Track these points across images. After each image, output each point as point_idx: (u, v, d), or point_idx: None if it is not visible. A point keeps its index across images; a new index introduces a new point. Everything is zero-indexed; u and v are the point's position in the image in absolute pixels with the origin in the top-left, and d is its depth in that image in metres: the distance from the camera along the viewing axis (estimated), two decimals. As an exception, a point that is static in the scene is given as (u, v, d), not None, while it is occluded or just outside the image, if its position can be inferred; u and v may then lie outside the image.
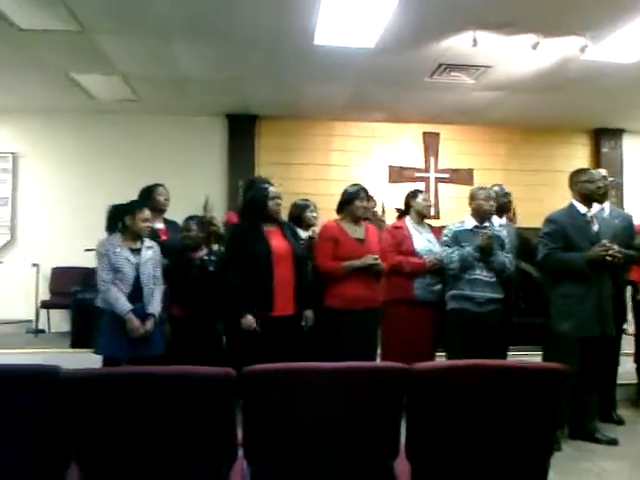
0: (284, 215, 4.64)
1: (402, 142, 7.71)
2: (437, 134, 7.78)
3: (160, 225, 4.57)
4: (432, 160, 7.74)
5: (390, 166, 7.64)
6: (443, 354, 4.23)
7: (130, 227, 3.77)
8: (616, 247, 3.79)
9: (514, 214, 6.96)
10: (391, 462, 2.05)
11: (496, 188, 4.70)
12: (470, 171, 7.70)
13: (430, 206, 4.56)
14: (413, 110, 7.17)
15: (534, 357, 4.29)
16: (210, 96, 6.68)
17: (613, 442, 3.89)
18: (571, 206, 4.01)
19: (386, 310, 4.27)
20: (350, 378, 1.97)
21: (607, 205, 4.44)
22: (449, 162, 7.78)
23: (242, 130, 7.34)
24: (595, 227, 3.90)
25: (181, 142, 7.24)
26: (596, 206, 4.19)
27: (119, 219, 3.81)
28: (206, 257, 4.21)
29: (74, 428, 1.91)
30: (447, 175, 7.71)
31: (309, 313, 3.86)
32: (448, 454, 2.03)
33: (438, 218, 7.25)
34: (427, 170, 7.73)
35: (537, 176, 7.59)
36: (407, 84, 6.26)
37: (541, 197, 7.03)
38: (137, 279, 3.74)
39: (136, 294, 3.74)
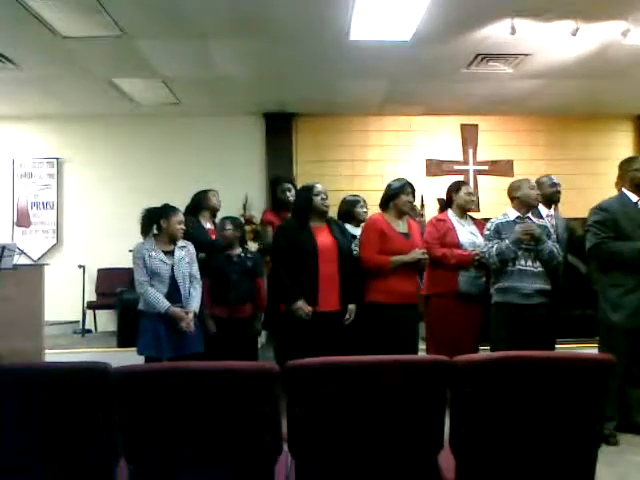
0: (333, 212, 4.69)
1: (440, 135, 7.65)
2: (475, 126, 7.68)
3: (210, 225, 4.75)
4: (471, 152, 7.65)
5: (428, 159, 7.58)
6: (487, 348, 4.19)
7: (165, 230, 3.87)
8: None
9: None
10: (435, 456, 2.06)
11: (544, 178, 4.64)
12: (510, 162, 7.59)
13: (473, 200, 4.49)
14: (450, 102, 7.10)
15: (581, 349, 4.22)
16: (247, 96, 6.75)
17: (663, 435, 3.80)
18: (622, 195, 3.92)
19: (430, 303, 4.28)
20: (393, 372, 1.98)
21: None
22: (488, 154, 7.68)
23: (279, 128, 7.39)
24: None
25: (220, 143, 7.34)
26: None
27: (154, 222, 3.90)
28: (242, 254, 4.28)
29: (123, 424, 1.97)
30: (486, 167, 7.61)
31: (352, 307, 3.89)
32: (493, 447, 2.02)
33: (478, 211, 7.15)
34: (466, 162, 7.64)
35: (578, 165, 7.43)
36: (444, 76, 6.20)
37: (582, 186, 6.90)
38: (173, 279, 3.83)
39: (174, 294, 3.83)
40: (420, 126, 7.61)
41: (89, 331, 7.07)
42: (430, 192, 6.80)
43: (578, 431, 2.02)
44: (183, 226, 3.94)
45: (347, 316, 3.88)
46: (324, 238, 3.87)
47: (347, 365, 1.96)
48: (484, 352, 4.14)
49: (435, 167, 7.55)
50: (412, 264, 3.95)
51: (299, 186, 4.61)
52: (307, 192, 3.97)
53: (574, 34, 5.02)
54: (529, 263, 3.98)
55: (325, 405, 1.97)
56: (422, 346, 4.45)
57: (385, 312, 3.89)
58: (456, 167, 7.60)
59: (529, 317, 3.93)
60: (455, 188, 4.48)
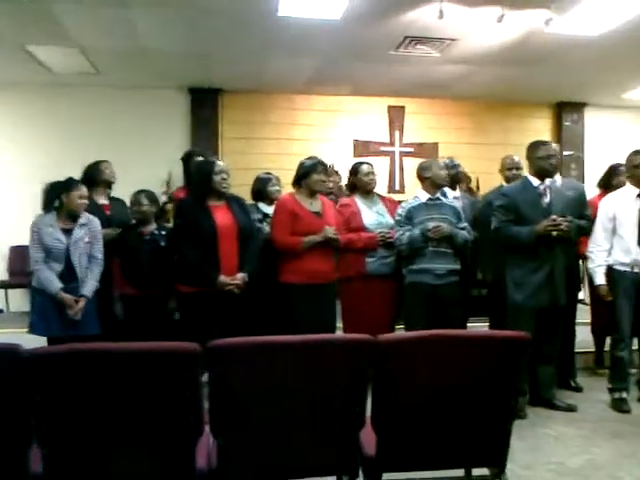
0: (248, 191, 4.62)
1: (367, 116, 7.68)
2: (402, 108, 7.76)
3: (105, 201, 4.48)
4: (397, 134, 7.74)
5: (355, 140, 7.61)
6: (402, 327, 4.27)
7: (65, 204, 3.71)
8: (568, 218, 3.85)
9: (477, 187, 7.05)
10: (357, 432, 2.08)
11: (446, 160, 4.71)
12: (435, 145, 7.73)
13: (373, 179, 4.47)
14: (378, 83, 7.14)
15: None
16: (171, 69, 6.54)
17: (571, 408, 4.01)
18: (525, 180, 4.06)
19: (342, 286, 4.24)
20: (317, 350, 1.98)
21: (558, 177, 4.52)
22: (414, 136, 7.79)
23: (205, 104, 7.22)
24: (547, 199, 3.95)
25: (142, 116, 7.09)
26: (548, 180, 4.24)
27: (56, 197, 3.73)
28: (156, 232, 4.15)
29: (35, 407, 1.88)
30: (412, 149, 7.72)
31: (241, 275, 3.72)
32: (413, 424, 2.06)
33: (403, 192, 7.29)
34: (392, 144, 7.72)
35: (501, 149, 7.58)
36: (373, 57, 6.21)
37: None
38: (68, 259, 3.69)
39: (69, 274, 3.69)
40: (348, 106, 7.61)
41: (0, 311, 6.75)
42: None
43: (494, 405, 2.08)
44: (86, 201, 3.77)
45: (235, 281, 3.69)
46: (223, 217, 3.74)
47: (270, 344, 1.94)
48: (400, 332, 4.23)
49: (362, 148, 7.59)
50: (325, 243, 3.94)
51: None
52: (207, 170, 3.79)
53: (500, 21, 5.13)
54: (442, 245, 4.06)
55: (248, 385, 1.95)
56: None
57: (299, 292, 3.88)
58: (382, 148, 7.67)
59: (443, 297, 4.03)
60: (354, 172, 4.51)
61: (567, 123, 8.10)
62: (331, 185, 6.58)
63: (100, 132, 6.93)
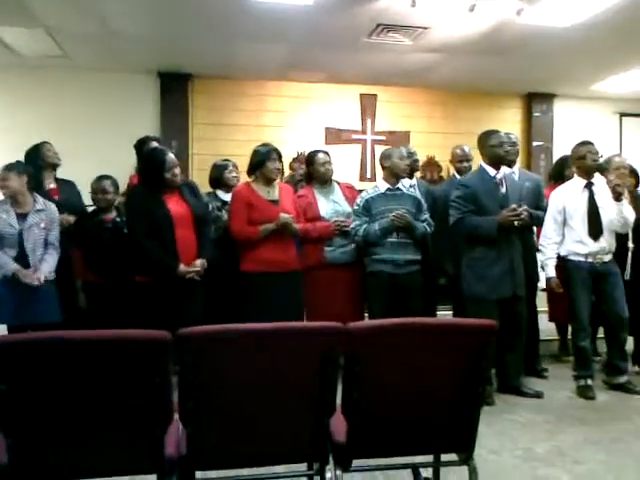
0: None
1: (339, 103, 7.64)
2: (374, 96, 7.74)
3: (52, 185, 4.38)
4: (369, 122, 7.71)
5: (327, 128, 7.56)
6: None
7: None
8: (525, 207, 3.91)
9: (448, 175, 7.10)
10: (327, 420, 2.08)
11: (404, 149, 4.71)
12: (407, 133, 7.73)
13: (330, 169, 4.48)
14: (350, 71, 7.10)
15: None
16: (140, 53, 6.40)
17: (538, 395, 4.09)
18: (481, 169, 4.10)
19: (305, 277, 4.22)
20: (287, 338, 1.97)
21: (517, 168, 4.58)
22: (386, 124, 7.77)
23: (175, 89, 7.07)
24: (503, 189, 4.00)
25: (111, 100, 6.92)
26: (506, 169, 4.29)
27: None
28: (118, 219, 4.08)
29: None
30: (384, 137, 7.69)
31: (199, 262, 3.70)
32: (383, 410, 2.07)
33: (375, 180, 7.27)
34: (364, 132, 7.70)
35: (472, 139, 7.63)
36: (344, 44, 6.17)
37: (476, 159, 7.13)
38: (22, 245, 3.63)
39: (22, 261, 3.64)
40: (319, 94, 7.56)
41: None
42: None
43: (462, 393, 2.10)
44: (11, 184, 3.70)
45: (195, 268, 3.66)
46: (177, 205, 3.69)
47: (241, 332, 1.92)
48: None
49: (334, 136, 7.55)
50: (283, 231, 3.92)
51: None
52: (157, 165, 3.66)
53: (471, 10, 5.13)
54: (401, 235, 4.08)
55: (218, 372, 1.93)
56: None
57: (257, 281, 3.87)
58: (354, 136, 7.64)
59: (404, 286, 4.06)
60: (310, 161, 4.50)
61: (537, 114, 8.17)
62: (302, 172, 6.57)
63: (68, 115, 6.76)
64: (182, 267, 3.61)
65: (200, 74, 7.14)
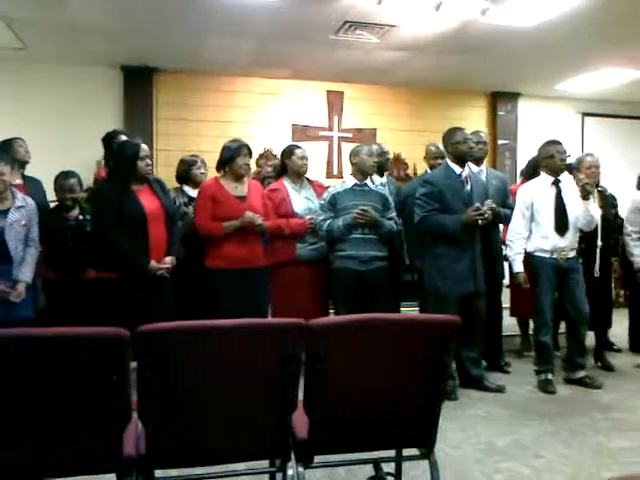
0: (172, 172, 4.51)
1: (306, 100, 7.62)
2: (341, 93, 7.74)
3: (18, 181, 4.29)
4: (336, 119, 7.71)
5: (294, 124, 7.54)
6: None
7: None
8: (490, 204, 3.96)
9: (415, 173, 7.15)
10: (289, 416, 2.07)
11: (375, 147, 4.74)
12: (374, 131, 7.76)
13: (306, 164, 4.49)
14: (318, 68, 7.09)
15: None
16: (103, 46, 6.28)
17: (500, 389, 4.15)
18: (446, 167, 4.14)
19: (273, 273, 4.23)
20: (248, 335, 1.95)
21: (484, 167, 4.64)
22: (353, 121, 7.79)
23: (139, 83, 6.95)
24: (468, 187, 4.05)
25: (72, 95, 6.78)
26: (473, 167, 4.35)
27: None
28: (81, 217, 4.01)
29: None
30: (351, 134, 7.71)
31: (168, 259, 3.68)
32: (344, 406, 2.07)
33: (341, 177, 7.28)
34: (331, 129, 7.70)
35: (438, 137, 7.69)
36: (312, 41, 6.16)
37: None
38: (3, 243, 3.55)
39: (4, 259, 3.55)
40: (287, 90, 7.53)
41: None
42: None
43: (424, 388, 2.11)
44: (5, 178, 3.60)
45: (165, 265, 3.65)
46: (149, 201, 3.66)
47: (201, 329, 1.90)
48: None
49: (301, 132, 7.53)
50: (248, 228, 3.90)
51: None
52: (131, 154, 3.64)
53: (437, 9, 5.17)
54: (366, 231, 4.10)
55: (177, 370, 1.90)
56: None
57: (222, 277, 3.86)
58: (321, 133, 7.64)
59: (369, 282, 4.08)
60: (288, 154, 4.48)
61: (501, 113, 8.27)
62: (269, 169, 6.56)
63: (28, 110, 6.61)
64: (153, 264, 3.58)
65: (165, 68, 7.05)
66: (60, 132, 6.53)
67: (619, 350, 5.36)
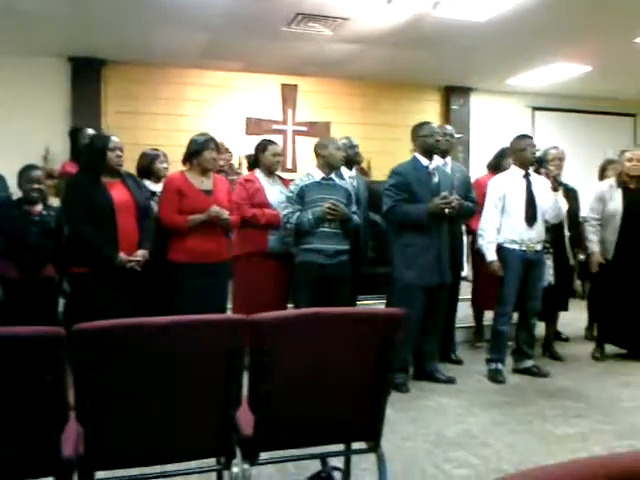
0: (134, 167, 4.45)
1: (260, 93, 7.58)
2: (295, 86, 7.72)
3: None
4: (290, 112, 7.69)
5: (247, 117, 7.49)
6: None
7: None
8: (456, 196, 4.02)
9: (369, 167, 7.17)
10: (233, 413, 2.04)
11: (344, 140, 4.76)
12: (327, 124, 7.75)
13: (279, 161, 4.50)
14: (271, 61, 7.05)
15: (383, 305, 4.47)
16: (49, 35, 6.10)
17: (451, 380, 4.20)
18: (414, 159, 4.18)
19: (239, 263, 4.27)
20: (189, 331, 1.92)
21: (449, 160, 4.69)
22: (307, 115, 7.77)
23: (87, 75, 6.80)
24: (436, 179, 4.10)
25: (17, 85, 6.58)
26: (439, 160, 4.41)
27: None
28: (45, 212, 3.91)
29: None
30: (305, 128, 7.71)
31: (140, 252, 3.67)
32: (290, 401, 2.05)
33: (295, 171, 7.28)
34: (285, 122, 7.67)
35: (392, 131, 7.79)
36: (264, 33, 6.11)
37: (395, 151, 7.21)
38: None
39: None
40: (240, 83, 7.47)
41: None
42: (249, 151, 6.73)
43: (369, 381, 2.11)
44: None
45: (136, 258, 3.63)
46: (119, 194, 3.63)
47: (138, 326, 1.85)
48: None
49: (254, 126, 7.48)
50: (213, 222, 3.88)
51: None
52: (101, 146, 3.66)
53: (389, 2, 5.19)
54: (332, 225, 4.10)
55: (116, 369, 1.86)
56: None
57: (185, 271, 3.83)
58: (275, 126, 7.60)
59: (332, 276, 4.08)
60: (262, 148, 4.47)
61: (454, 107, 8.37)
62: (222, 163, 6.49)
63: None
64: (122, 256, 3.55)
65: (115, 60, 6.91)
66: (4, 125, 6.32)
67: (567, 339, 5.49)
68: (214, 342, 1.91)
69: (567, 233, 4.76)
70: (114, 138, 3.71)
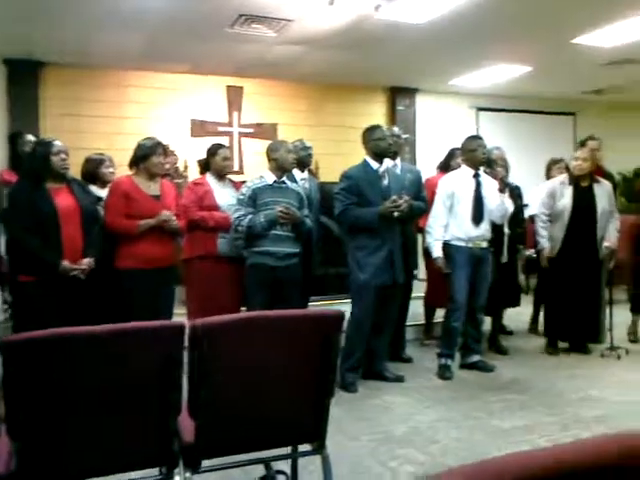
0: (77, 172, 4.34)
1: (205, 95, 7.47)
2: (241, 88, 7.65)
3: None
4: (236, 114, 7.61)
5: (192, 120, 7.37)
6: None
7: None
8: (406, 198, 4.06)
9: (317, 169, 7.16)
10: (173, 421, 2.00)
11: (297, 142, 4.79)
12: (274, 126, 7.71)
13: (229, 165, 4.50)
14: (215, 62, 6.97)
15: (336, 305, 4.47)
16: (-17, 36, 5.90)
17: (400, 379, 4.24)
18: (364, 162, 4.22)
19: (189, 267, 4.22)
20: (125, 339, 1.87)
21: (399, 161, 4.73)
22: (253, 117, 7.71)
23: (24, 77, 6.55)
24: (386, 182, 4.14)
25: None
26: (389, 162, 4.45)
27: None
28: None
29: None
30: (251, 130, 7.64)
31: (87, 260, 3.60)
32: (231, 407, 2.03)
33: (242, 173, 7.21)
34: (230, 124, 7.59)
35: (338, 132, 7.81)
36: (207, 34, 6.03)
37: (342, 152, 7.25)
38: None
39: None
40: (184, 84, 7.35)
41: None
42: (194, 153, 6.65)
43: (312, 383, 2.10)
44: None
45: (81, 266, 3.57)
46: (64, 200, 3.57)
47: (70, 336, 1.79)
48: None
49: (199, 128, 7.38)
50: (161, 227, 3.84)
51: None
52: (44, 150, 3.59)
53: (331, 3, 5.19)
54: (283, 228, 4.09)
55: (46, 380, 1.79)
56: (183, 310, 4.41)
57: (134, 277, 3.76)
58: (221, 129, 7.51)
59: (283, 278, 4.07)
60: (213, 152, 4.44)
61: (400, 107, 8.44)
62: (167, 166, 6.37)
63: None
64: (65, 264, 3.48)
65: (54, 62, 6.70)
66: None
67: (511, 333, 5.61)
68: (151, 349, 1.87)
69: (507, 231, 4.84)
70: (57, 142, 3.65)
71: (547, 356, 4.89)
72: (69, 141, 6.37)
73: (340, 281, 4.97)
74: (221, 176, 4.40)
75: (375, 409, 3.71)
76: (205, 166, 4.52)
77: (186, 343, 1.93)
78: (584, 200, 4.76)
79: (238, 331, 1.97)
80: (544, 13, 5.49)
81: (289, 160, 4.23)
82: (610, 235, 4.79)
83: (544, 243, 4.86)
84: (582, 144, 5.01)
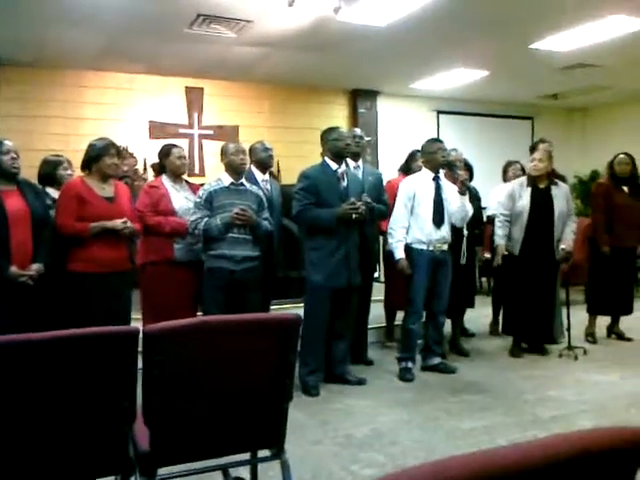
0: (31, 174, 4.22)
1: (164, 96, 7.36)
2: (201, 89, 7.57)
3: None
4: (196, 116, 7.52)
5: (151, 121, 7.26)
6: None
7: None
8: (367, 199, 4.06)
9: (278, 170, 7.14)
10: (128, 428, 1.95)
11: (257, 144, 4.75)
12: (235, 128, 7.65)
13: (185, 164, 4.40)
14: (174, 63, 6.87)
15: (297, 309, 4.45)
16: None
17: (361, 382, 4.23)
18: (323, 162, 4.21)
19: (144, 272, 4.14)
20: (75, 346, 1.80)
21: (361, 163, 4.73)
22: (214, 118, 7.64)
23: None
24: (344, 183, 4.14)
25: None
26: (351, 163, 4.46)
27: None
28: None
29: None
30: (212, 132, 7.56)
31: (36, 266, 3.52)
32: (187, 413, 1.98)
33: (204, 175, 7.14)
34: (191, 126, 7.50)
35: (300, 134, 7.80)
36: (165, 34, 5.94)
37: (304, 154, 7.21)
38: None
39: None
40: (142, 85, 7.23)
41: None
42: (154, 155, 6.54)
43: (269, 387, 2.07)
44: None
45: (30, 272, 3.49)
46: (14, 203, 3.47)
47: (12, 345, 1.72)
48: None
49: (158, 130, 7.26)
50: (115, 231, 3.75)
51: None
52: None
53: (291, 5, 5.16)
54: (241, 231, 4.04)
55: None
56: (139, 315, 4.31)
57: (88, 282, 3.66)
58: (181, 130, 7.41)
59: (241, 282, 4.03)
60: (165, 153, 4.35)
61: (362, 110, 8.47)
62: (126, 168, 6.27)
63: None
64: (14, 269, 3.38)
65: (8, 61, 6.51)
66: None
67: (473, 335, 5.66)
68: (101, 356, 1.81)
69: (465, 232, 4.89)
70: (7, 142, 3.55)
71: (507, 357, 4.94)
72: (23, 142, 6.27)
73: (302, 284, 4.94)
74: (177, 176, 4.32)
75: (337, 412, 3.69)
76: (160, 169, 4.43)
77: (140, 348, 1.88)
78: (542, 201, 4.83)
79: (193, 336, 1.92)
80: (502, 18, 5.58)
81: (236, 162, 4.15)
82: (567, 237, 4.86)
83: (499, 240, 4.91)
84: (533, 148, 5.08)
